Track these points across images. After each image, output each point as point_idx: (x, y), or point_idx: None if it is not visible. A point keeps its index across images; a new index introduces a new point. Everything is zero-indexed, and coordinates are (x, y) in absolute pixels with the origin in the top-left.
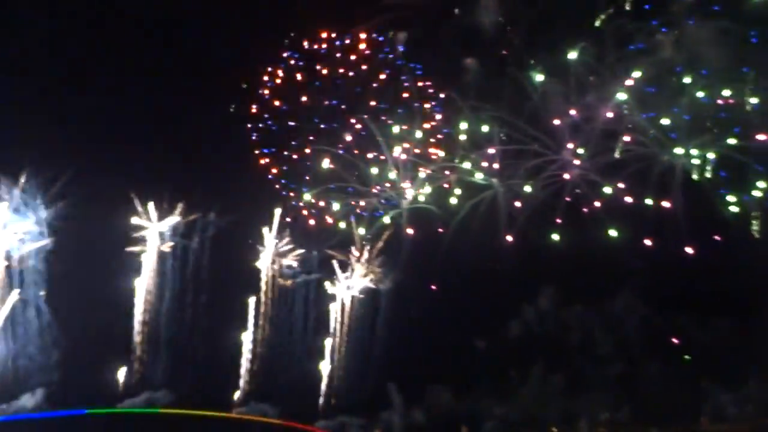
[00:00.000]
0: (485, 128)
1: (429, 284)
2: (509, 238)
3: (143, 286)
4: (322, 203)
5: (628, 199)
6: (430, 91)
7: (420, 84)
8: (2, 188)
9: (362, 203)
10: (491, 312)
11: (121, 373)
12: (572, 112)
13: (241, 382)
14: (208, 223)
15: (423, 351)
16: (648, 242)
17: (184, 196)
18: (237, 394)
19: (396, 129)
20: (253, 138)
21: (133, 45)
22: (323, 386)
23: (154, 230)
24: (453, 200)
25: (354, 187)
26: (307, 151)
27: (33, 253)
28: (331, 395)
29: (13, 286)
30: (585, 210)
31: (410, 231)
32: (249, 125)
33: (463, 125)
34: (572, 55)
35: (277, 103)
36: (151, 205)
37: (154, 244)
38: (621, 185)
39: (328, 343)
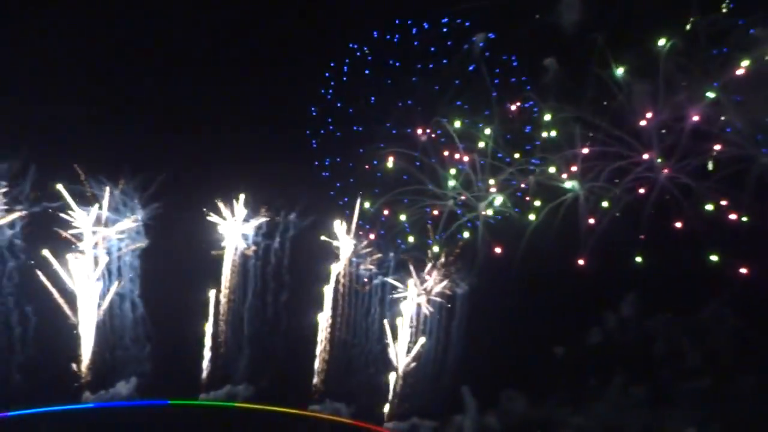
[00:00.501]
0: (566, 129)
1: (506, 289)
2: (590, 244)
3: (227, 284)
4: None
5: (732, 217)
6: (509, 91)
7: (498, 84)
8: (103, 189)
9: (437, 208)
10: (571, 318)
11: (206, 367)
12: (659, 112)
13: (316, 380)
14: (288, 224)
15: (499, 356)
16: (742, 251)
17: (267, 197)
18: (313, 392)
19: (472, 131)
20: (316, 142)
21: (214, 53)
22: (396, 387)
23: (238, 230)
24: (531, 203)
25: (429, 192)
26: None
27: (130, 251)
28: (404, 397)
29: (111, 281)
30: (675, 223)
31: (487, 235)
32: (312, 130)
33: (544, 126)
34: (660, 47)
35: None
36: (237, 206)
37: (237, 244)
38: (723, 202)
39: (401, 344)
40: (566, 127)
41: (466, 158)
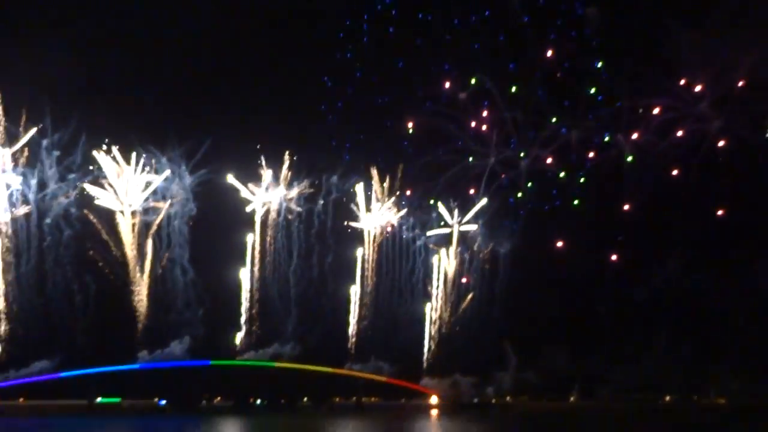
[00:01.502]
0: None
1: (551, 245)
2: (637, 199)
3: (269, 247)
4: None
5: None
6: (551, 44)
7: (539, 37)
8: (154, 156)
9: (477, 163)
10: (617, 273)
11: (254, 327)
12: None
13: (354, 339)
14: (331, 187)
15: (542, 312)
16: None
17: (310, 161)
18: (351, 351)
19: (514, 87)
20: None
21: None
22: (436, 345)
23: (281, 194)
24: (576, 158)
25: (470, 149)
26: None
27: (179, 217)
28: (445, 355)
29: (162, 247)
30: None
31: (532, 191)
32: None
33: (589, 81)
34: None
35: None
36: (282, 170)
37: (280, 207)
38: None
39: (442, 303)
40: (610, 80)
41: (507, 115)
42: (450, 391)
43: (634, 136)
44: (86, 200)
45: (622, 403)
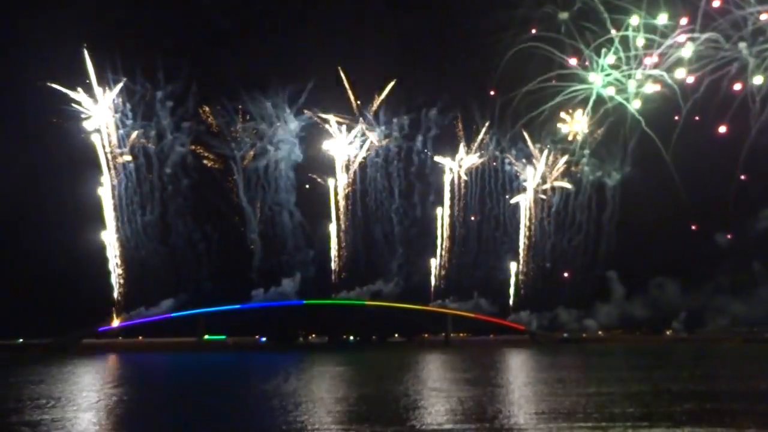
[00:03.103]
0: None
1: (663, 173)
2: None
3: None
4: None
5: None
6: None
7: None
8: (258, 104)
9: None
10: (731, 201)
11: (358, 265)
12: None
13: (444, 274)
14: (429, 122)
15: (651, 243)
16: None
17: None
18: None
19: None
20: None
21: None
22: (525, 278)
23: (372, 131)
24: (687, 78)
25: (575, 75)
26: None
27: (286, 161)
28: (539, 287)
29: (268, 193)
30: None
31: (640, 116)
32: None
33: None
34: None
35: None
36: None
37: (373, 144)
38: None
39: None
40: None
41: (614, 32)
42: (537, 327)
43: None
44: (199, 149)
45: (722, 337)
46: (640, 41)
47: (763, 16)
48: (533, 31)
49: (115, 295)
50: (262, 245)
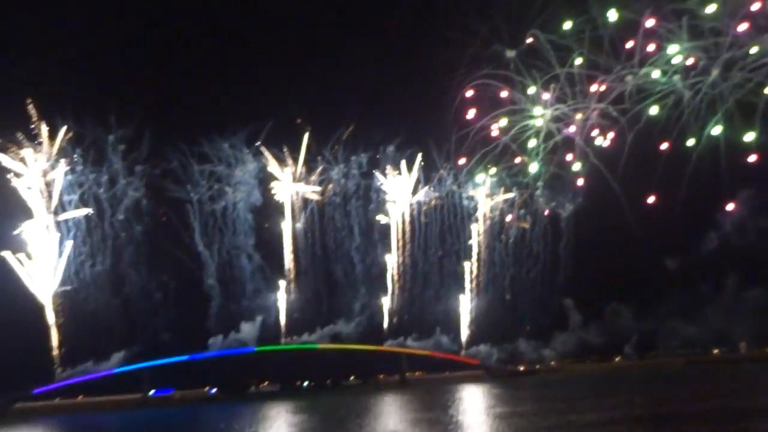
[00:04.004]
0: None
1: (612, 203)
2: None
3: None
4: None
5: None
6: None
7: None
8: (216, 146)
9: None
10: (679, 224)
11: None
12: None
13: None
14: (387, 158)
15: (605, 270)
16: None
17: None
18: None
19: (566, 42)
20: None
21: None
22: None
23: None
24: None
25: (523, 110)
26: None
27: (244, 203)
28: (494, 321)
29: (225, 236)
30: None
31: (587, 148)
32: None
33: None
34: None
35: None
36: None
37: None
38: None
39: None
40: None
41: (560, 71)
42: (497, 360)
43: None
44: (155, 193)
45: (667, 361)
46: (584, 77)
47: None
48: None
49: (55, 352)
50: (220, 291)
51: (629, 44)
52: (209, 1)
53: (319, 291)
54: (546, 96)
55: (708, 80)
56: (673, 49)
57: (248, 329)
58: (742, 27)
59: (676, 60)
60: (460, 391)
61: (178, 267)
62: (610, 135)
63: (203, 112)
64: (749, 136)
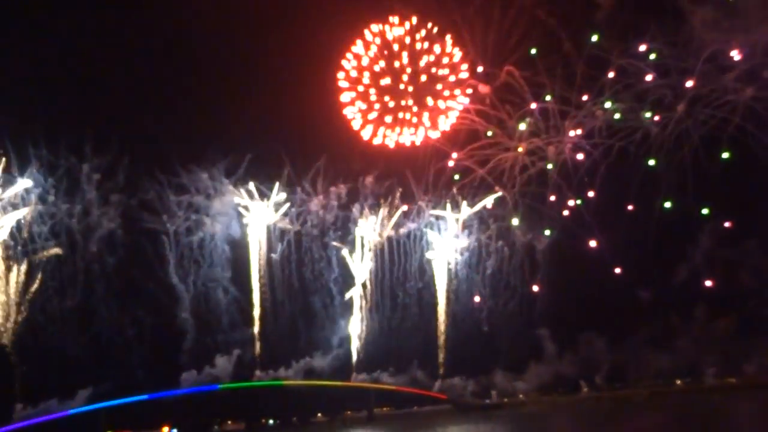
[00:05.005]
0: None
1: (584, 234)
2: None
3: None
4: None
5: None
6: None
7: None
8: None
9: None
10: (649, 256)
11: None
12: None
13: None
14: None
15: (578, 301)
16: None
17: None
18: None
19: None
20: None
21: None
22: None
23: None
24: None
25: (499, 144)
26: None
27: (222, 234)
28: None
29: (203, 268)
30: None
31: (561, 183)
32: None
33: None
34: None
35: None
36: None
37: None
38: None
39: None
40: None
41: (534, 105)
42: (470, 393)
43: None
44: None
45: (631, 393)
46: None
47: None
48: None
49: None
50: (195, 325)
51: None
52: (191, 30)
53: (295, 324)
54: (522, 127)
55: (674, 116)
56: (641, 84)
57: (223, 364)
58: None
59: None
60: (428, 427)
61: (151, 301)
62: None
63: (182, 141)
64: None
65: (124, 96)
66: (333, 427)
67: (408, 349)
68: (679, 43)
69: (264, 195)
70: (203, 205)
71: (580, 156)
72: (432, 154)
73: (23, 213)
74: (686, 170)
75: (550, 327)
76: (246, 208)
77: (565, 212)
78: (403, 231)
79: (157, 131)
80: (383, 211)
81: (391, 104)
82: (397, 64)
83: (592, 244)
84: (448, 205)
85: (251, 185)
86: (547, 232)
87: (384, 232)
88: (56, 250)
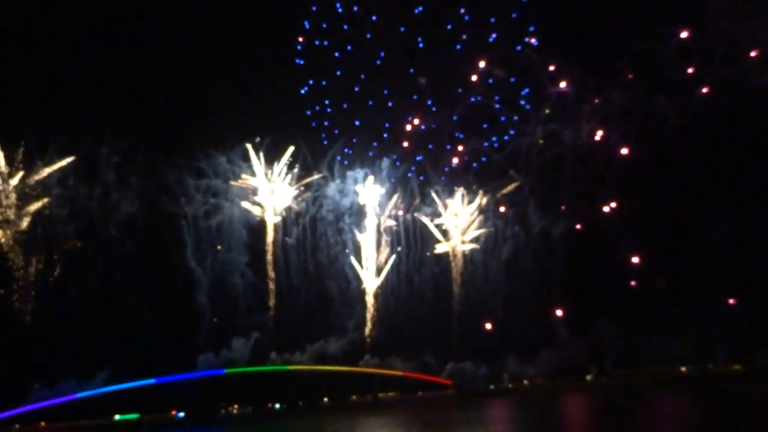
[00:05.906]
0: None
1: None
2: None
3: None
4: None
5: None
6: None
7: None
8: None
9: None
10: (665, 242)
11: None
12: None
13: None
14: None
15: (592, 287)
16: None
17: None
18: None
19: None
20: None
21: None
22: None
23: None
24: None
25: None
26: None
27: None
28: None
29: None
30: None
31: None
32: None
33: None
34: None
35: None
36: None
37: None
38: None
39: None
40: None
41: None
42: (465, 381)
43: None
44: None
45: (634, 381)
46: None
47: None
48: None
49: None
50: (211, 308)
51: None
52: (210, 15)
53: (311, 307)
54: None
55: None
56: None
57: (240, 346)
58: None
59: None
60: (434, 412)
61: (169, 284)
62: None
63: (201, 125)
64: None
65: (143, 81)
66: (338, 411)
67: (421, 333)
68: (700, 28)
69: (281, 179)
70: (221, 189)
71: (597, 137)
72: (449, 139)
73: (44, 202)
74: (703, 156)
75: (564, 312)
76: (263, 192)
77: (582, 199)
78: (418, 216)
79: (176, 115)
80: (398, 196)
81: None
82: None
83: (609, 231)
84: (463, 190)
85: (270, 168)
86: (563, 219)
87: (400, 216)
88: (75, 242)
